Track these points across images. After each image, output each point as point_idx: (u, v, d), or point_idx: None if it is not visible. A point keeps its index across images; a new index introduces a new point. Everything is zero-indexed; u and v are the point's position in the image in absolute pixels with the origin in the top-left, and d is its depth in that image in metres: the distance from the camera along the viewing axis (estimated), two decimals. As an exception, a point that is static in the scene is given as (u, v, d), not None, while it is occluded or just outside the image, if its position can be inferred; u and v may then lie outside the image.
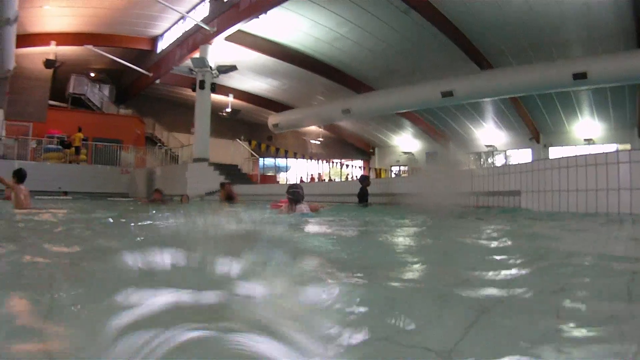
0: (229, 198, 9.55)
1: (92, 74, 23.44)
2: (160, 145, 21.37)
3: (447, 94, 17.17)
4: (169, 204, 10.57)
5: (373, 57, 18.53)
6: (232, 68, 17.02)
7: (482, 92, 16.99)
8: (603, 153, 4.43)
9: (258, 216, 5.69)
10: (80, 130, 19.47)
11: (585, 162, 4.51)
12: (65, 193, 16.87)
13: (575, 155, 4.66)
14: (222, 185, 10.44)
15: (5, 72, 18.13)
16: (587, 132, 21.04)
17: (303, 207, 5.71)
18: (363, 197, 8.84)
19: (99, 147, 20.28)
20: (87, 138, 19.90)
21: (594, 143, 20.80)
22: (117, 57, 20.23)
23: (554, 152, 21.65)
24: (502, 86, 16.12)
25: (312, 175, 25.77)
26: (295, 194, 5.74)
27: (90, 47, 19.35)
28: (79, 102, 22.73)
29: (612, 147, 18.85)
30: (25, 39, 18.39)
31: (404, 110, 21.14)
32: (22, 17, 15.57)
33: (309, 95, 23.58)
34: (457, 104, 19.81)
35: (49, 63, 20.02)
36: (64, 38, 19.44)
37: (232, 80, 21.44)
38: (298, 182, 23.03)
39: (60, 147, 19.63)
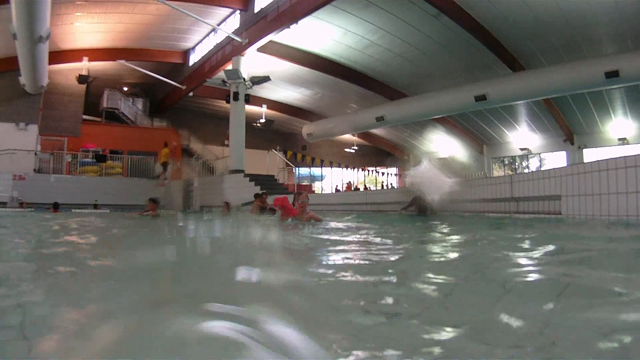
0: (270, 209, 8.68)
1: (125, 88, 23.79)
2: (197, 157, 21.52)
3: (481, 98, 17.07)
4: (163, 217, 9.25)
5: (405, 63, 18.41)
6: (266, 79, 16.99)
7: (515, 94, 16.86)
8: (643, 154, 4.45)
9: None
10: (166, 145, 17.96)
11: (625, 164, 4.48)
12: (96, 206, 17.10)
13: (615, 158, 4.68)
14: (258, 195, 9.76)
15: (39, 89, 18.58)
16: (621, 132, 20.58)
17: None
18: (422, 207, 8.02)
19: (134, 160, 20.50)
20: (123, 151, 20.14)
21: (628, 143, 20.35)
22: (149, 71, 20.51)
23: (589, 154, 21.24)
24: (535, 88, 15.98)
25: (347, 183, 25.70)
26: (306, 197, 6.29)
27: (122, 61, 19.66)
28: (113, 116, 23.06)
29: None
30: (58, 56, 18.80)
31: (438, 116, 20.97)
32: (54, 34, 15.85)
33: (342, 103, 23.48)
34: (491, 108, 19.60)
35: (81, 79, 20.41)
36: (96, 54, 19.78)
37: (265, 91, 21.49)
38: (334, 191, 23.11)
39: (95, 160, 19.90)
